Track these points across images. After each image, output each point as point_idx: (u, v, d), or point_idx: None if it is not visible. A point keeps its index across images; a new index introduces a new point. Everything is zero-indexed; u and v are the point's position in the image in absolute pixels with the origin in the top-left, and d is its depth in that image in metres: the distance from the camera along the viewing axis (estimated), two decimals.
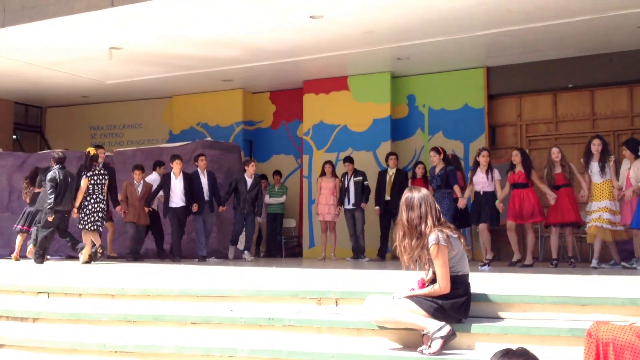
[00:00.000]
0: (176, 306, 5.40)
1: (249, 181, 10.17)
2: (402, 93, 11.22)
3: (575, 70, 10.31)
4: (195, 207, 9.87)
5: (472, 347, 4.36)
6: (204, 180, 10.09)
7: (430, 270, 4.52)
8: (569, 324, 4.34)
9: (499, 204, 8.63)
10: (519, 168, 8.69)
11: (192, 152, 10.24)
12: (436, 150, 9.27)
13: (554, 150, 8.53)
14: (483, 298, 4.71)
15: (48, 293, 5.90)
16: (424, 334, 4.36)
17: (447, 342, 4.25)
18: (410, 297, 4.49)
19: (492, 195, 8.77)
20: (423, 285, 4.62)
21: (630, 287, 5.48)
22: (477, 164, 8.87)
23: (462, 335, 4.31)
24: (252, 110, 12.56)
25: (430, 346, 4.26)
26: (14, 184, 11.45)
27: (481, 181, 8.81)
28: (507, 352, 2.57)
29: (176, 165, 9.79)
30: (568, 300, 4.58)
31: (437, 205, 4.68)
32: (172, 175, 9.89)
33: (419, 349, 4.31)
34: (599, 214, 8.11)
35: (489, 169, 8.81)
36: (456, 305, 4.45)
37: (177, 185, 9.85)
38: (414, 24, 8.52)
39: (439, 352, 4.20)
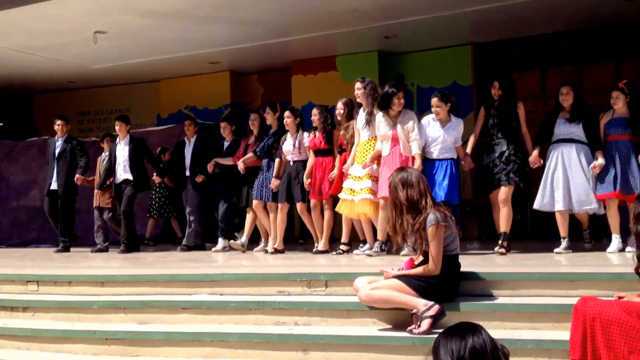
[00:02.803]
0: (166, 292, 5.40)
1: None
2: (390, 72, 11.16)
3: (562, 45, 10.28)
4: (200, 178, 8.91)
5: None
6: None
7: (422, 250, 4.51)
8: (558, 300, 4.36)
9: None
10: None
11: (179, 135, 10.16)
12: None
13: None
14: (472, 276, 4.73)
15: (37, 282, 5.89)
16: (413, 314, 4.37)
17: (437, 321, 4.27)
18: (399, 277, 4.50)
19: None
20: (411, 265, 4.62)
21: (617, 263, 5.52)
22: None
23: (451, 314, 4.33)
24: (241, 92, 12.49)
25: (419, 325, 4.28)
26: (2, 173, 11.38)
27: None
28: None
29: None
30: (556, 277, 4.60)
31: None
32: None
33: (409, 328, 4.33)
34: None
35: None
36: (446, 284, 4.46)
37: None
38: (400, 1, 8.46)
39: (428, 331, 4.22)
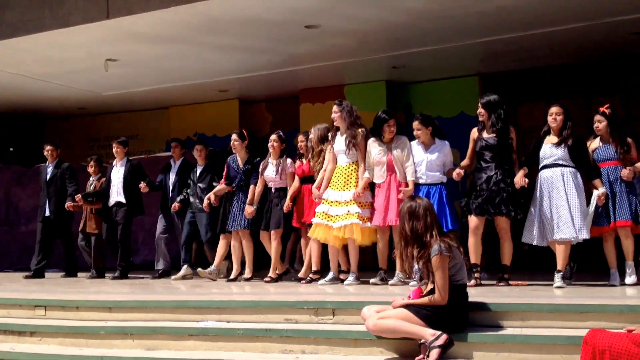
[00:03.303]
0: (173, 319, 5.40)
1: None
2: (398, 101, 11.22)
3: (570, 77, 10.32)
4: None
5: (470, 356, 4.35)
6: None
7: (430, 281, 4.51)
8: (567, 332, 4.34)
9: None
10: None
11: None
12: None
13: None
14: (481, 307, 4.72)
15: (45, 307, 5.90)
16: (421, 343, 4.35)
17: (445, 351, 4.25)
18: (407, 306, 4.49)
19: None
20: (419, 294, 4.61)
21: (629, 295, 5.49)
22: None
23: (459, 344, 4.31)
24: (249, 120, 12.56)
25: (428, 356, 4.25)
26: (12, 198, 11.44)
27: None
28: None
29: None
30: (565, 308, 4.58)
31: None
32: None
33: (417, 358, 4.31)
34: None
35: None
36: (453, 314, 4.45)
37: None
38: (408, 32, 8.53)
39: None
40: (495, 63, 10.10)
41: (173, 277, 8.32)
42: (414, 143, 6.83)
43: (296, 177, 7.53)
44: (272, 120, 12.50)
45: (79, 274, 9.27)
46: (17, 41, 8.59)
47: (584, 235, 6.05)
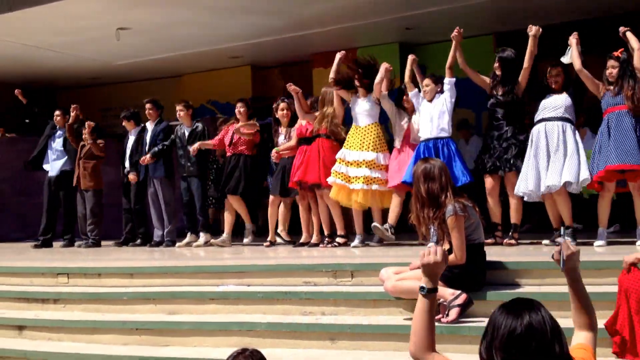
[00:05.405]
0: (194, 283, 5.46)
1: None
2: None
3: (586, 35, 10.15)
4: None
5: (489, 314, 4.34)
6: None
7: (447, 241, 4.52)
8: (587, 288, 4.34)
9: None
10: None
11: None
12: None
13: None
14: (499, 266, 4.73)
15: (67, 274, 5.98)
16: (440, 303, 4.38)
17: (464, 310, 4.28)
18: None
19: None
20: None
21: None
22: None
23: (478, 303, 4.34)
24: (262, 86, 12.52)
25: (447, 314, 4.29)
26: (28, 169, 11.50)
27: None
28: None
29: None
30: (584, 265, 4.56)
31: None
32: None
33: (436, 317, 4.34)
34: None
35: None
36: (471, 273, 4.47)
37: None
38: None
39: (456, 320, 4.23)
40: (510, 22, 9.95)
41: (178, 244, 8.25)
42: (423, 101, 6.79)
43: (294, 137, 7.47)
44: (285, 86, 12.45)
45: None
46: (29, 12, 8.58)
47: (585, 175, 5.82)
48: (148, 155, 8.32)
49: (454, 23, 10.07)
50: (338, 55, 7.17)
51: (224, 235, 7.97)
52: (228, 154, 8.03)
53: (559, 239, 2.51)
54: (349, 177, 6.74)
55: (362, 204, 6.82)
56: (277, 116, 7.84)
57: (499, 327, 1.95)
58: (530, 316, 1.95)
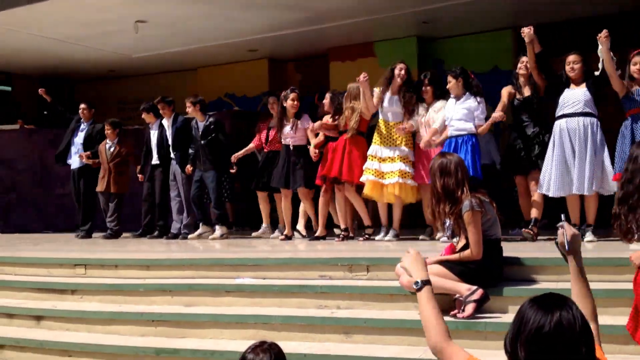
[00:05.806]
0: (210, 276, 5.49)
1: None
2: (429, 57, 11.06)
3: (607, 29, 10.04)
4: None
5: (505, 310, 4.36)
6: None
7: (463, 237, 4.51)
8: (603, 285, 4.31)
9: None
10: None
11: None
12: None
13: None
14: (516, 262, 4.71)
15: (85, 265, 6.04)
16: (455, 299, 4.37)
17: (480, 305, 4.26)
18: (441, 262, 4.49)
19: None
20: (451, 251, 4.61)
21: None
22: None
23: (495, 299, 4.32)
24: (278, 80, 12.53)
25: (463, 310, 4.27)
26: (45, 161, 11.60)
27: None
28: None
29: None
30: (601, 262, 4.55)
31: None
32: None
33: (452, 312, 4.33)
34: None
35: None
36: (487, 269, 4.45)
37: None
38: None
39: (472, 316, 4.22)
40: (529, 16, 9.86)
41: (190, 235, 8.29)
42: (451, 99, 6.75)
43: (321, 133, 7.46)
44: (302, 79, 12.45)
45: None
46: (47, 4, 8.63)
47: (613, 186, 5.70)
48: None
49: (472, 17, 10.05)
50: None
51: (263, 226, 8.22)
52: (265, 150, 8.21)
53: (559, 224, 2.50)
54: (382, 172, 6.84)
55: (402, 197, 6.86)
56: (285, 105, 7.70)
57: (526, 322, 1.88)
58: (560, 314, 1.85)
